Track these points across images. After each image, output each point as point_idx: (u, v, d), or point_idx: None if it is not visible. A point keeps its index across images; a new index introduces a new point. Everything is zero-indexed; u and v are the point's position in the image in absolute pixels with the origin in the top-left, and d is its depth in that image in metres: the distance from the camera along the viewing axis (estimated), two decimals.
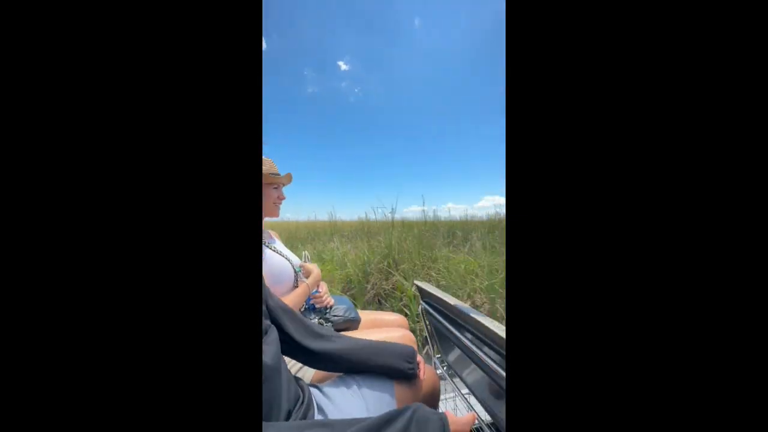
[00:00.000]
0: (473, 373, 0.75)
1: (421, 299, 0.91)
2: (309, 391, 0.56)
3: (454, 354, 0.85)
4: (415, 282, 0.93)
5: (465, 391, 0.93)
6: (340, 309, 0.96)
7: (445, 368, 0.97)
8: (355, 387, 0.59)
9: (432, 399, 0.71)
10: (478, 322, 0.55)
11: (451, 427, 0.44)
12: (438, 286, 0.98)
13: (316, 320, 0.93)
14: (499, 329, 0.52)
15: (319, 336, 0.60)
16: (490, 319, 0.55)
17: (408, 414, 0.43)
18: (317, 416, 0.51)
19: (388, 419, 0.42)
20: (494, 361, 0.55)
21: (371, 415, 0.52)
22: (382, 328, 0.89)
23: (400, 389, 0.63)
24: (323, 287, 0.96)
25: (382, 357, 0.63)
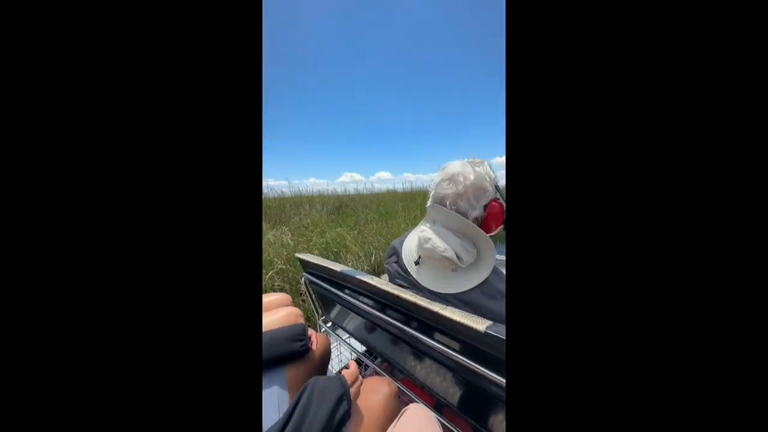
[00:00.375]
0: (352, 321, 0.91)
1: (304, 270, 0.94)
2: None
3: (335, 310, 0.98)
4: (297, 255, 0.93)
5: (345, 336, 1.10)
6: None
7: (328, 325, 1.09)
8: None
9: (325, 358, 0.77)
10: (359, 279, 0.68)
11: (348, 379, 0.50)
12: None
13: None
14: (372, 279, 0.66)
15: None
16: (369, 275, 0.69)
17: (305, 395, 0.45)
18: None
19: (286, 420, 0.42)
20: (368, 305, 0.70)
21: (265, 416, 0.51)
22: (265, 314, 0.88)
23: (292, 371, 0.63)
24: None
25: (270, 349, 0.60)
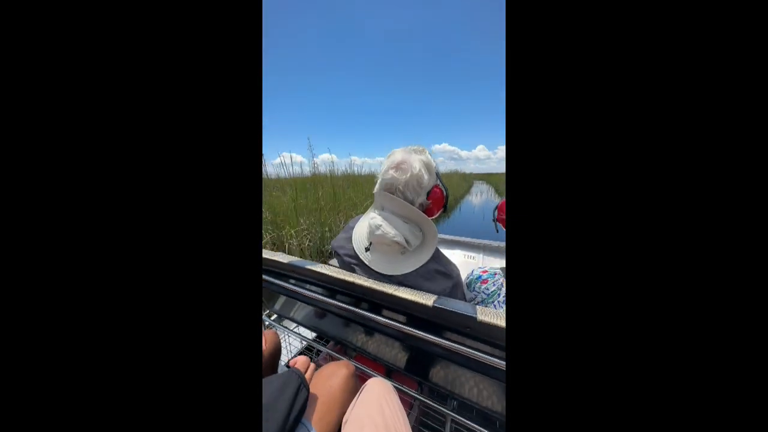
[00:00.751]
0: (300, 310, 0.88)
1: None
2: None
3: (280, 302, 0.93)
4: None
5: (293, 326, 1.07)
6: None
7: (273, 318, 1.03)
8: None
9: (275, 355, 0.75)
10: (309, 269, 0.66)
11: (301, 369, 0.51)
12: None
13: None
14: (324, 268, 0.65)
15: None
16: (317, 263, 0.67)
17: None
18: None
19: None
20: (318, 293, 0.69)
21: None
22: None
23: None
24: None
25: None
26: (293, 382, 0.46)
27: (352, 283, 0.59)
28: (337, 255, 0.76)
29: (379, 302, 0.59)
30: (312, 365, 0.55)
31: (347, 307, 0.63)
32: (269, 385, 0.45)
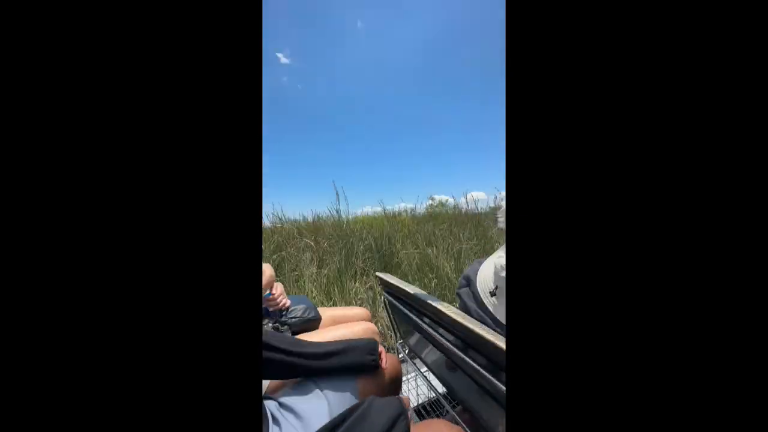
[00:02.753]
0: (431, 353, 0.82)
1: (383, 290, 0.93)
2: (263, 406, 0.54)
3: (414, 338, 0.91)
4: (377, 273, 0.94)
5: (424, 369, 1.01)
6: (298, 309, 0.93)
7: (406, 351, 1.02)
8: (316, 390, 0.58)
9: (395, 383, 0.75)
10: (434, 307, 0.60)
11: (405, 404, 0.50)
12: None
13: (270, 325, 0.90)
14: (452, 312, 0.57)
15: (274, 349, 0.55)
16: (446, 304, 0.60)
17: (360, 410, 0.46)
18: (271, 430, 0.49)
19: (342, 419, 0.45)
20: (448, 341, 0.60)
21: (334, 415, 0.52)
22: (344, 324, 0.89)
23: (362, 382, 0.65)
24: (278, 288, 0.92)
25: (344, 357, 0.63)
26: (394, 408, 0.46)
27: (481, 337, 0.46)
28: (458, 296, 0.67)
29: None
30: (410, 407, 0.54)
31: (479, 369, 0.50)
32: (373, 401, 0.47)
